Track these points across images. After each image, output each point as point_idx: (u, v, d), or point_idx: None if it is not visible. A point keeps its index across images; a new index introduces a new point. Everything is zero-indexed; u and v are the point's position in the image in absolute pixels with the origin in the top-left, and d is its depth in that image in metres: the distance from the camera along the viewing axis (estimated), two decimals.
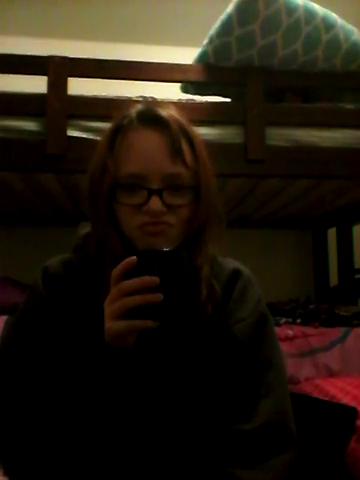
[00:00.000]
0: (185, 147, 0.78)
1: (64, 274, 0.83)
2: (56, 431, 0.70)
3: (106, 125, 0.85)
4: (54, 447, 0.71)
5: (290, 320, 1.88)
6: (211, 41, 1.62)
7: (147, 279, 0.65)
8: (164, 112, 0.79)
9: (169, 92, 1.61)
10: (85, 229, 0.86)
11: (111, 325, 0.66)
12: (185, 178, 0.77)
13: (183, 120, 0.81)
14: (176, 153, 0.76)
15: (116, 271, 0.67)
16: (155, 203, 0.74)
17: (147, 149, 0.76)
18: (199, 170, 0.79)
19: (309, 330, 1.73)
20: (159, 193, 0.75)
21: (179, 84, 1.76)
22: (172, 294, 0.66)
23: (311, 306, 2.02)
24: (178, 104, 1.50)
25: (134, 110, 0.81)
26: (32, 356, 0.77)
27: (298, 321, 1.87)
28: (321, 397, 1.29)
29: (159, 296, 0.65)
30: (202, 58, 1.65)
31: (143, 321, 0.65)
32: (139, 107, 0.82)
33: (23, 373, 0.76)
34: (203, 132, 1.52)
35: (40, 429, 0.71)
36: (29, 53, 1.56)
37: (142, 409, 0.74)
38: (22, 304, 0.84)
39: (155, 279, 0.65)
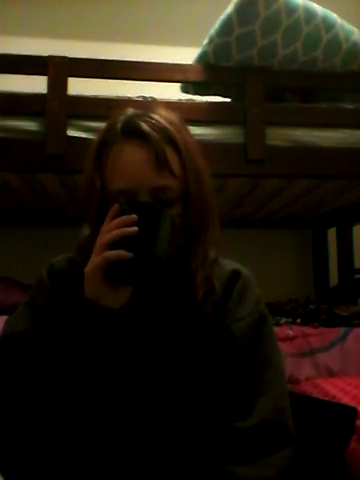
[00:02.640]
0: (171, 156, 0.77)
1: (69, 271, 0.84)
2: (52, 423, 0.71)
3: (97, 138, 0.84)
4: (51, 441, 0.71)
5: (290, 320, 1.88)
6: (211, 41, 1.62)
7: (125, 218, 0.69)
8: (146, 124, 0.77)
9: (169, 92, 1.61)
10: (88, 230, 0.87)
11: (89, 266, 0.70)
12: (173, 189, 0.77)
13: (171, 125, 0.79)
14: (161, 165, 0.75)
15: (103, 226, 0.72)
16: None
17: (132, 164, 0.76)
18: (188, 177, 0.78)
19: (309, 330, 1.73)
20: None
21: (179, 84, 1.76)
22: (150, 235, 0.70)
23: (311, 306, 2.02)
24: (177, 104, 1.51)
25: (119, 120, 0.80)
26: (35, 347, 0.77)
27: (298, 321, 1.87)
28: (321, 397, 1.30)
29: (134, 229, 0.69)
30: (202, 58, 1.65)
31: (117, 251, 0.68)
32: (123, 117, 0.80)
33: (23, 364, 0.75)
34: (203, 132, 1.52)
35: (37, 418, 0.71)
36: (29, 53, 1.56)
37: (134, 394, 0.74)
38: (27, 297, 0.85)
39: (133, 216, 0.69)
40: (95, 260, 0.69)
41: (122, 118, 0.80)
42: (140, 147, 0.76)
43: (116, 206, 0.72)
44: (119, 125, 0.79)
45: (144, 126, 0.77)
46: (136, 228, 0.69)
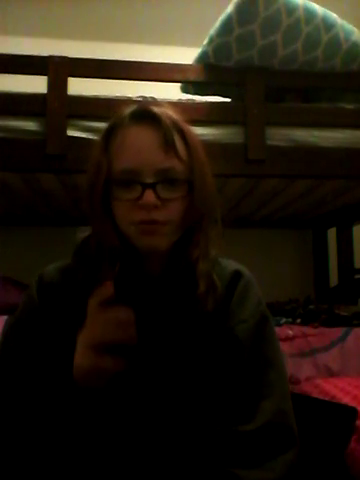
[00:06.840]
0: (178, 141, 0.78)
1: (60, 282, 0.83)
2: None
3: (106, 125, 0.85)
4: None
5: (290, 320, 1.88)
6: (211, 41, 1.62)
7: (122, 316, 0.64)
8: (156, 108, 0.79)
9: (169, 92, 1.61)
10: (83, 233, 0.86)
11: (81, 359, 0.66)
12: (179, 171, 0.77)
13: (177, 117, 0.81)
14: (168, 146, 0.76)
15: (93, 299, 0.66)
16: (149, 197, 0.74)
17: (139, 144, 0.77)
18: (193, 163, 0.79)
19: (309, 330, 1.73)
20: (153, 187, 0.75)
21: (179, 84, 1.76)
22: (150, 332, 0.66)
23: (311, 306, 2.02)
24: (177, 104, 1.51)
25: (127, 109, 0.82)
26: (16, 366, 0.76)
27: (298, 321, 1.87)
28: (321, 397, 1.29)
29: (134, 339, 0.64)
30: (202, 58, 1.65)
31: (114, 360, 0.64)
32: (132, 107, 0.82)
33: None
34: (203, 132, 1.52)
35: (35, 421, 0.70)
36: (29, 53, 1.56)
37: (137, 395, 0.74)
38: (17, 311, 0.84)
39: (130, 314, 0.64)
40: (87, 360, 0.65)
41: (130, 107, 0.82)
42: (148, 128, 0.77)
43: (110, 288, 0.65)
44: (128, 112, 0.81)
45: (154, 109, 0.79)
46: (136, 339, 0.64)
